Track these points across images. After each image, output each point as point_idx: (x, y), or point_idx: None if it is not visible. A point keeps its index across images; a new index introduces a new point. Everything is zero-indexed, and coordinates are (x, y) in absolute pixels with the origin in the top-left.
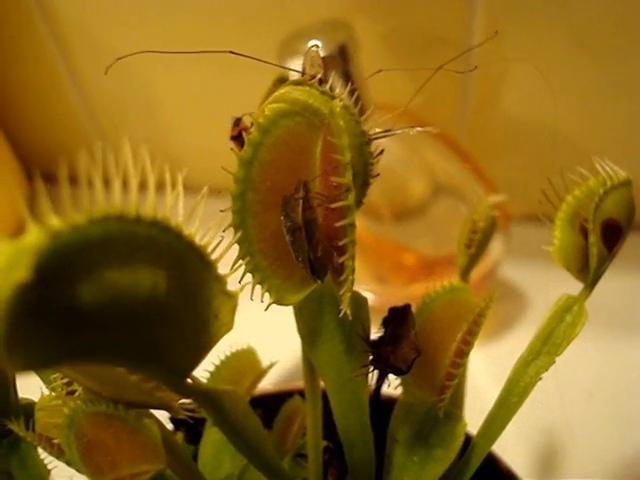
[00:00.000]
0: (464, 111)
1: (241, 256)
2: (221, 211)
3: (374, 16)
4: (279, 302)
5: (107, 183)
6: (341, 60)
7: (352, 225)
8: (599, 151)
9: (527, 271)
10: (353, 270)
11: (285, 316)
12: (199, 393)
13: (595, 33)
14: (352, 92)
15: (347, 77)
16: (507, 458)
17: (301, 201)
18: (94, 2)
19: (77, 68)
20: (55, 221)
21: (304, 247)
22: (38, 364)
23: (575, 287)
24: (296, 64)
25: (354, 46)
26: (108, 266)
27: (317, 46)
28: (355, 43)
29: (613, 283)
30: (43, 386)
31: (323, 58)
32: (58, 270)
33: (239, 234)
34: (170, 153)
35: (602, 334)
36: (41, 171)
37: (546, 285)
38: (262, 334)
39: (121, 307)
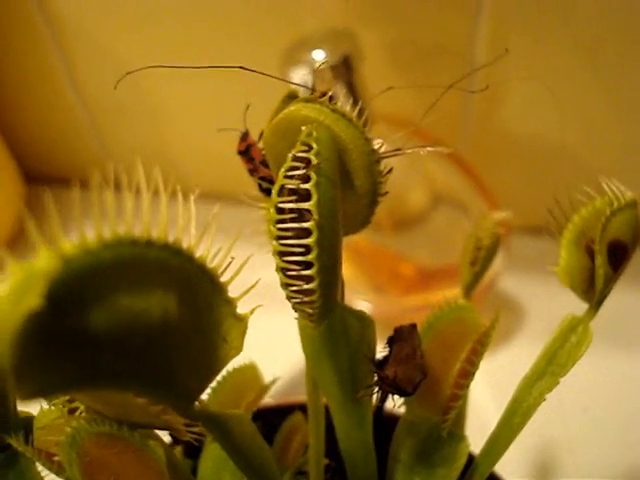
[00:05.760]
0: (466, 124)
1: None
2: None
3: (376, 26)
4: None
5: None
6: (345, 70)
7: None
8: (602, 168)
9: (525, 284)
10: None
11: (286, 330)
12: (207, 417)
13: (602, 49)
14: (357, 105)
15: (350, 88)
16: (505, 473)
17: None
18: (96, 6)
19: (77, 71)
20: (67, 245)
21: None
22: (47, 392)
23: (573, 300)
24: (299, 73)
25: (358, 56)
26: (120, 291)
27: (326, 62)
28: (359, 53)
29: (609, 298)
30: (42, 400)
31: (319, 71)
32: (70, 296)
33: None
34: (171, 159)
35: (599, 348)
36: (39, 173)
37: (544, 298)
38: (263, 348)
39: (133, 332)
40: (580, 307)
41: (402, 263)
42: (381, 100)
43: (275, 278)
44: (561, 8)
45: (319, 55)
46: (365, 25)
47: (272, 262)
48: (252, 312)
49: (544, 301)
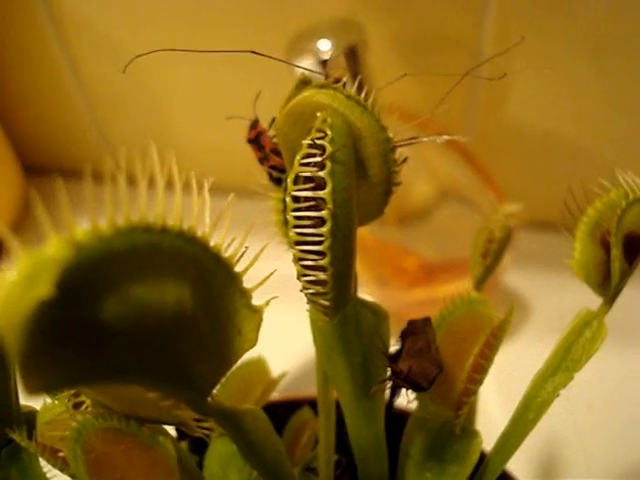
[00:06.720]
0: (472, 117)
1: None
2: None
3: (382, 17)
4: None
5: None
6: (351, 61)
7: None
8: (614, 163)
9: (531, 279)
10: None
11: (294, 324)
12: (221, 413)
13: (611, 41)
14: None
15: (357, 79)
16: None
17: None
18: None
19: (78, 62)
20: (78, 232)
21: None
22: (57, 386)
23: (580, 296)
24: (305, 64)
25: (364, 47)
26: (133, 280)
27: (335, 51)
28: (365, 44)
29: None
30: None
31: (332, 59)
32: (82, 285)
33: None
34: (175, 151)
35: (607, 346)
36: (38, 166)
37: (550, 294)
38: (272, 342)
39: (146, 323)
40: (587, 303)
41: (406, 257)
42: (387, 93)
43: (283, 271)
44: (568, 1)
45: (325, 45)
46: (371, 17)
47: (281, 255)
48: (267, 304)
49: (550, 297)
